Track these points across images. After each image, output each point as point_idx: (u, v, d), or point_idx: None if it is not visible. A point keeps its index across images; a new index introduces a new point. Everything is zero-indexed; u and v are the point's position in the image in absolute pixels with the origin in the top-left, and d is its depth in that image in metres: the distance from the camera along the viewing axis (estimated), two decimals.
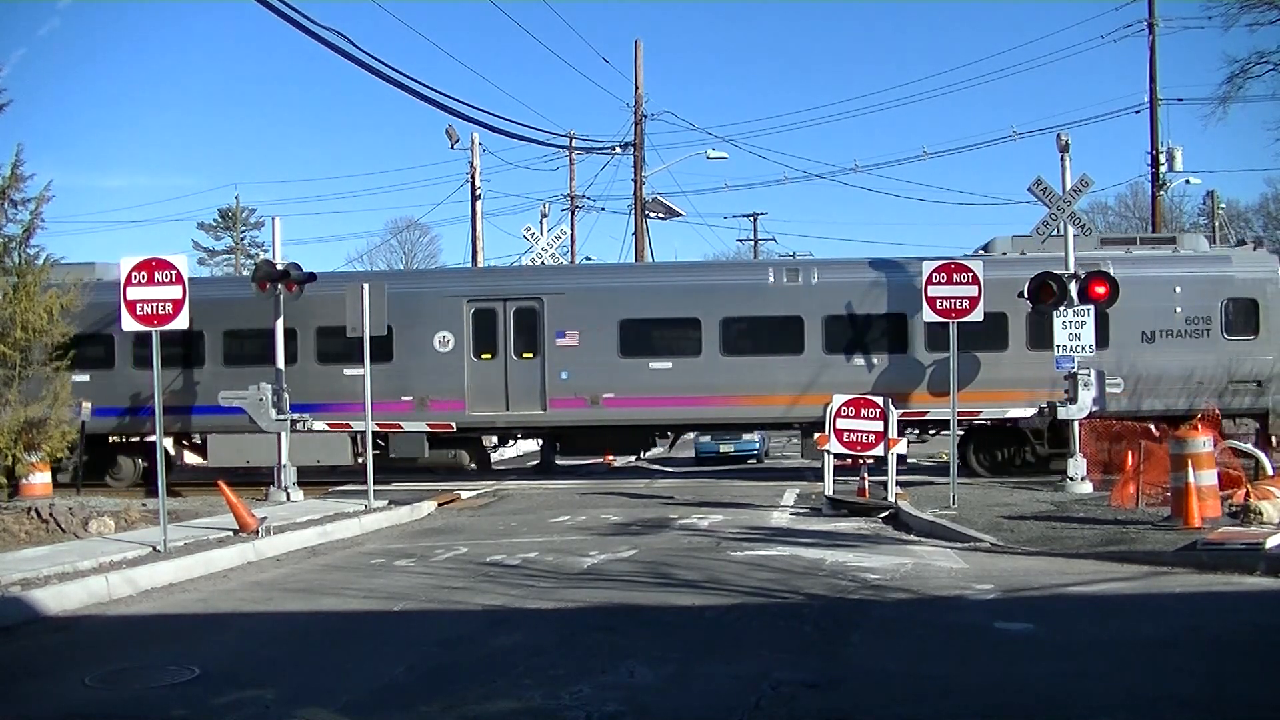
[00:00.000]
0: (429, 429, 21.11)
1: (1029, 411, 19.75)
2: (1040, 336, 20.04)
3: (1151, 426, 15.82)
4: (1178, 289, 20.52)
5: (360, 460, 18.94)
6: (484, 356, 20.74)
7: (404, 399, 20.85)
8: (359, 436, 19.40)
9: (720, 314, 20.87)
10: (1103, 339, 20.02)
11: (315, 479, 21.08)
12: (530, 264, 33.12)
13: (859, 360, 20.72)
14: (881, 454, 16.31)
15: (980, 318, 16.28)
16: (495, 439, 23.47)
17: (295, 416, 19.16)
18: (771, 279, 21.35)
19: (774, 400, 20.74)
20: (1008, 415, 20.29)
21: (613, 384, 20.67)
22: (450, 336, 21.03)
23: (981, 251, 22.12)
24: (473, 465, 22.65)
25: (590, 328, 20.76)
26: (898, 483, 16.46)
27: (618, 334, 20.82)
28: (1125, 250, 21.39)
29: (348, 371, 19.67)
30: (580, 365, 20.78)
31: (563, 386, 20.86)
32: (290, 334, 19.81)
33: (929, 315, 16.36)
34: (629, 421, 21.01)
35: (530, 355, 21.17)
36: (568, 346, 20.92)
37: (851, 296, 20.88)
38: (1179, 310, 20.40)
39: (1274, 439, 20.00)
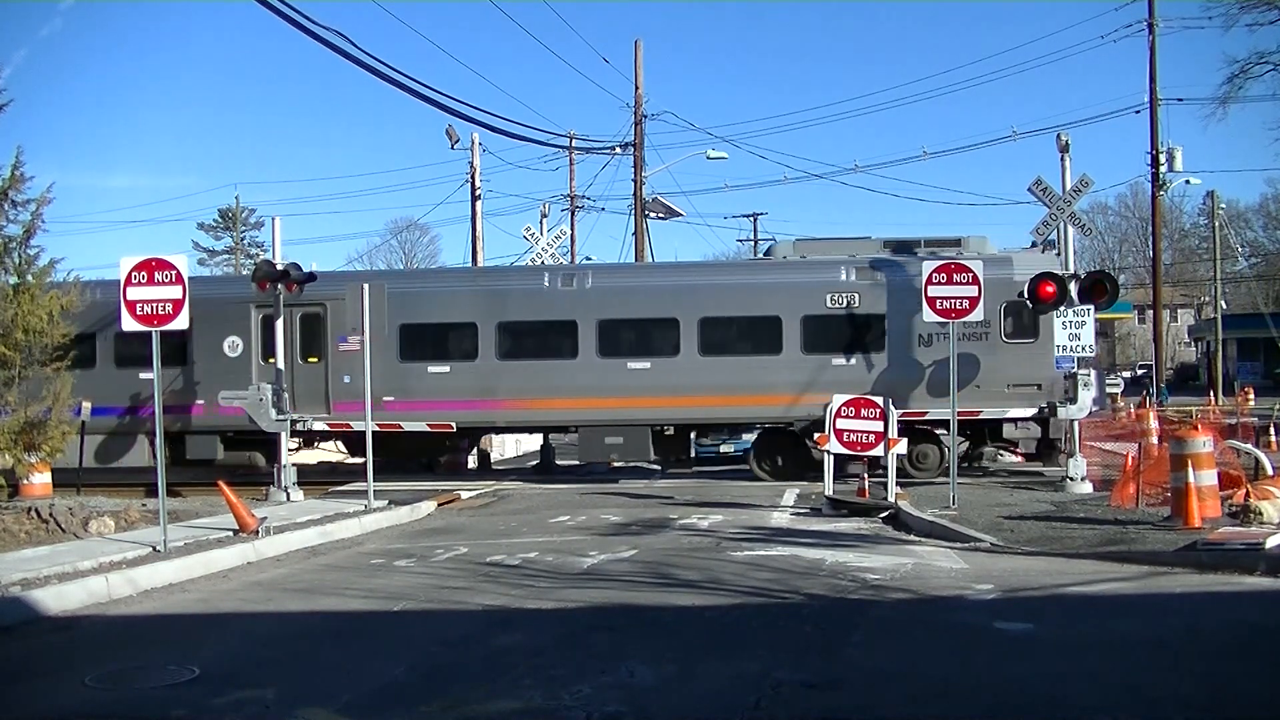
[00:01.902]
0: (224, 430, 21.34)
1: (802, 413, 20.26)
2: (813, 341, 20.53)
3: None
4: None
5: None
6: (270, 360, 20.43)
7: (198, 402, 21.07)
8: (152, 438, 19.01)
9: (498, 318, 20.92)
10: (878, 343, 20.50)
11: (315, 479, 21.11)
12: (531, 264, 33.09)
13: (635, 364, 20.93)
14: (881, 453, 16.33)
15: (981, 317, 16.31)
16: (297, 441, 23.53)
17: (295, 416, 19.20)
18: (547, 283, 21.54)
19: (555, 404, 20.89)
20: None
21: (393, 387, 20.72)
22: (239, 341, 21.18)
23: (764, 256, 22.26)
24: (267, 467, 22.43)
25: (372, 332, 20.59)
26: (898, 483, 16.46)
27: (398, 338, 20.83)
28: (909, 252, 21.47)
29: (143, 375, 19.14)
30: (362, 369, 20.73)
31: (345, 390, 20.92)
32: (90, 338, 19.80)
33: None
34: (410, 424, 21.05)
35: (314, 360, 21.44)
36: (350, 351, 20.87)
37: (626, 300, 21.16)
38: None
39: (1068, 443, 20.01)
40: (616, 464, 23.43)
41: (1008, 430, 20.58)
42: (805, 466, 20.73)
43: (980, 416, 20.02)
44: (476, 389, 20.79)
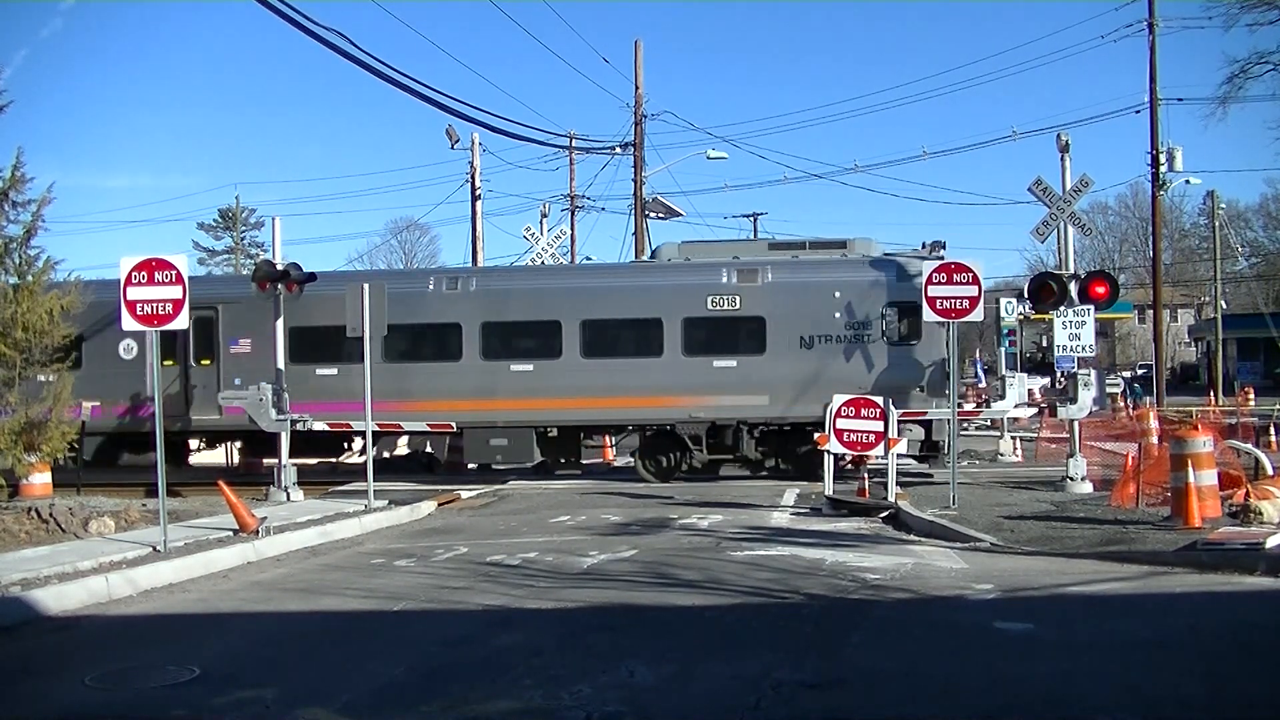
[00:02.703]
0: (117, 433, 21.51)
1: (683, 415, 20.41)
2: (694, 343, 20.61)
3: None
4: (838, 294, 20.59)
5: None
6: (167, 363, 20.23)
7: (93, 404, 20.97)
8: None
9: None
10: (759, 345, 20.58)
11: (315, 479, 21.10)
12: (531, 263, 33.09)
13: (518, 367, 21.01)
14: (883, 453, 16.34)
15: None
16: (200, 442, 23.55)
17: (295, 417, 19.20)
18: (431, 287, 21.48)
19: (440, 406, 20.89)
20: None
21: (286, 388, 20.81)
22: (134, 344, 21.21)
23: (650, 259, 22.32)
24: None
25: (262, 335, 20.38)
26: (898, 483, 16.46)
27: (288, 341, 20.54)
28: (793, 254, 21.58)
29: (40, 378, 19.40)
30: (253, 371, 20.52)
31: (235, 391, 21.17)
32: None
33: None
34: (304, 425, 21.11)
35: (208, 362, 21.61)
36: (241, 354, 21.14)
37: (510, 303, 21.25)
38: (839, 316, 20.47)
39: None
40: (500, 465, 23.22)
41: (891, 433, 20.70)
42: (692, 468, 20.91)
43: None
44: (361, 391, 20.65)
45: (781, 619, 8.68)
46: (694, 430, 20.68)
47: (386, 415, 20.24)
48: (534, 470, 24.20)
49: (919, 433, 20.47)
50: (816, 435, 17.57)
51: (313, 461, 22.70)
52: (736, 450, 20.84)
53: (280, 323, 19.19)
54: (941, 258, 21.64)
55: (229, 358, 21.41)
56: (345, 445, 22.63)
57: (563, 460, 22.21)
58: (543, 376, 20.72)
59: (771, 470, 20.97)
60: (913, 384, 20.20)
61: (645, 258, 21.99)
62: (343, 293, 19.42)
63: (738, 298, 20.50)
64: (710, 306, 20.68)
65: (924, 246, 22.66)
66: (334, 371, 20.91)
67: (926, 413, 19.97)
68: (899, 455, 19.54)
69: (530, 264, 33.28)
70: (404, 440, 23.47)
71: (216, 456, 24.75)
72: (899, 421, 20.04)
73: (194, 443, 23.35)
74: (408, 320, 20.37)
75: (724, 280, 20.60)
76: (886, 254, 22.03)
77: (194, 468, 23.01)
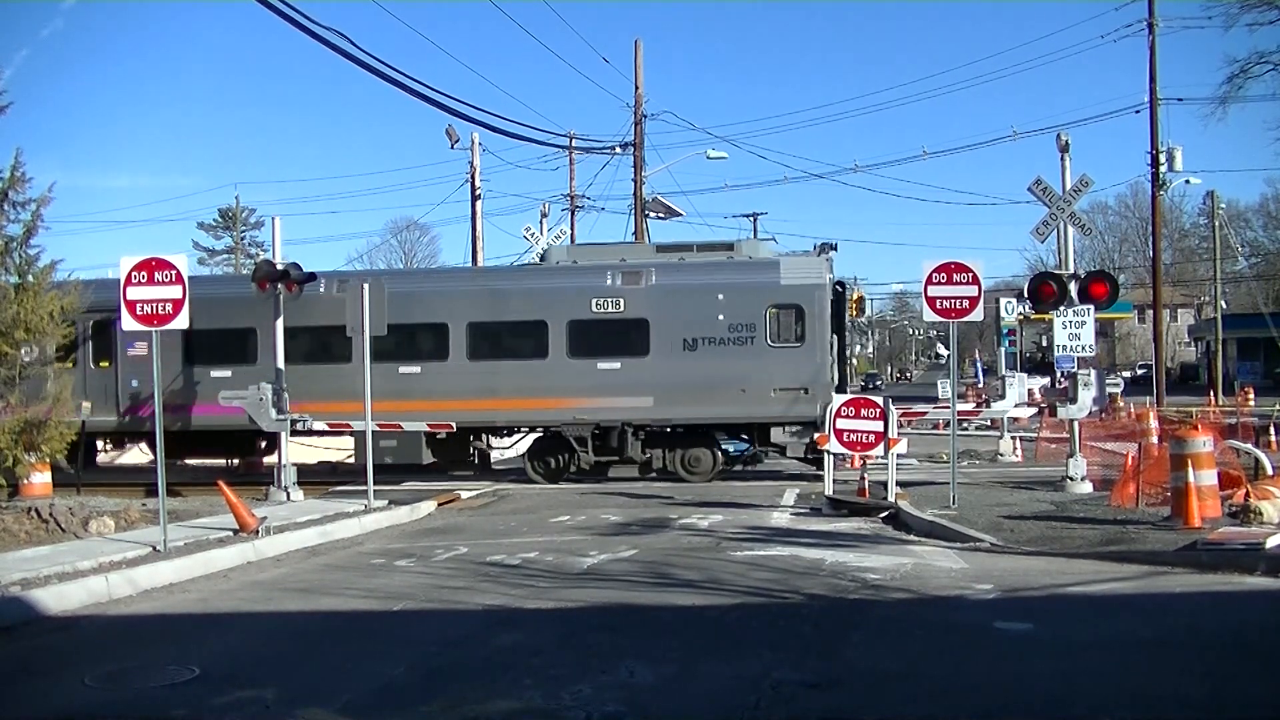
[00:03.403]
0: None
1: (569, 417, 20.59)
2: (579, 345, 20.73)
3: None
4: (721, 296, 20.65)
5: None
6: (68, 365, 19.99)
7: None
8: None
9: (268, 323, 20.20)
10: (643, 347, 20.69)
11: (316, 479, 21.10)
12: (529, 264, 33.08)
13: (406, 369, 21.08)
14: (883, 454, 16.33)
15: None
16: (105, 442, 23.56)
17: (295, 416, 19.21)
18: (323, 289, 20.87)
19: (333, 408, 20.73)
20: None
21: (179, 392, 21.03)
22: (35, 348, 21.25)
23: (540, 262, 22.34)
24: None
25: (163, 336, 20.45)
26: (898, 482, 16.46)
27: (182, 343, 20.72)
28: (680, 257, 21.62)
29: None
30: (149, 374, 20.57)
31: (133, 394, 21.45)
32: None
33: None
34: (191, 426, 21.28)
35: (105, 364, 21.73)
36: (138, 356, 21.03)
37: (397, 306, 20.74)
38: (722, 318, 20.51)
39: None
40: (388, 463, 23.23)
41: (776, 435, 20.88)
42: (580, 469, 21.04)
43: (751, 420, 20.53)
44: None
45: (782, 619, 8.68)
46: (579, 432, 20.86)
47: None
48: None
49: (805, 435, 20.60)
50: (817, 436, 17.58)
51: (220, 462, 22.81)
52: (622, 452, 21.01)
53: (280, 322, 19.18)
54: (830, 260, 21.94)
55: (126, 360, 21.48)
56: (261, 444, 22.60)
57: (453, 462, 22.27)
58: (430, 379, 20.77)
59: (659, 472, 21.15)
60: (798, 386, 20.36)
61: (536, 260, 22.11)
62: (238, 295, 19.35)
63: (622, 300, 20.64)
64: (595, 309, 20.85)
65: (815, 248, 22.84)
66: (228, 374, 20.93)
67: (812, 415, 20.19)
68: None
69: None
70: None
71: (138, 457, 24.88)
72: (783, 425, 20.52)
73: (100, 443, 23.41)
74: (306, 323, 20.24)
75: (608, 283, 20.67)
76: (776, 255, 22.29)
77: (193, 468, 22.98)
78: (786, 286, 20.60)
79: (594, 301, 20.79)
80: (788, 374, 20.35)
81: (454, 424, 20.92)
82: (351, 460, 22.95)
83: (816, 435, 17.47)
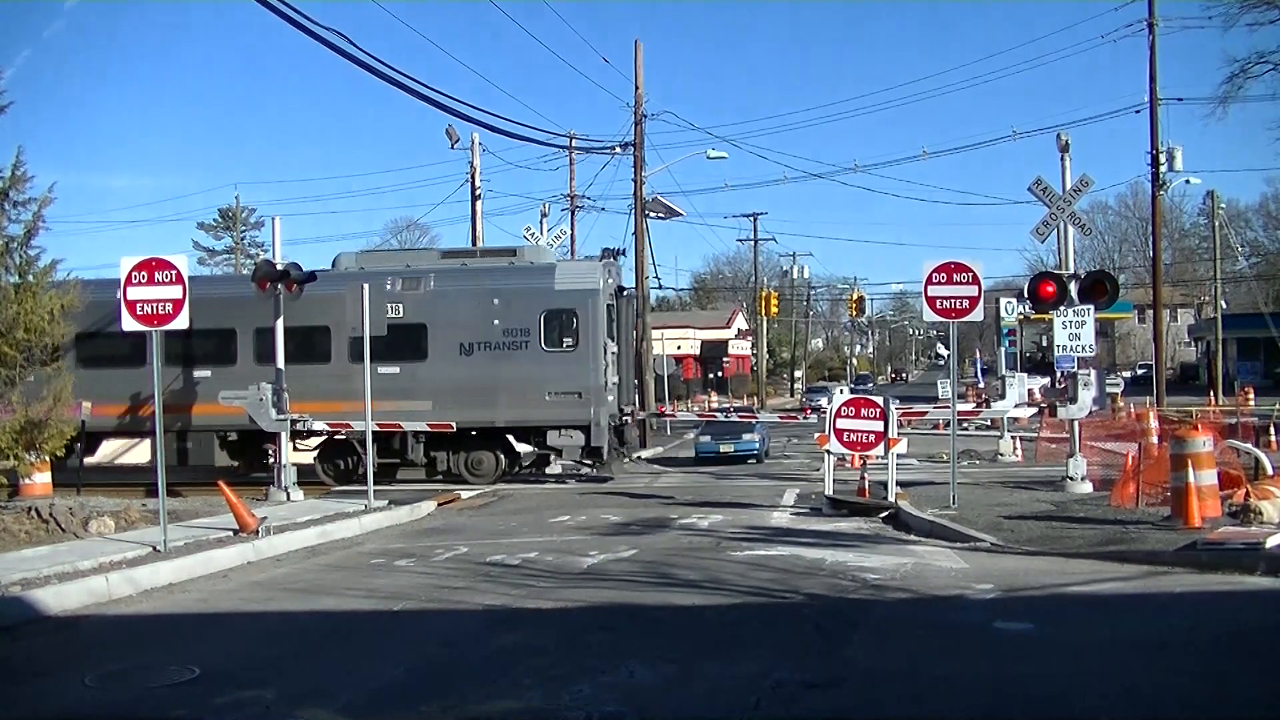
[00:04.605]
0: None
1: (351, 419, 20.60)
2: (361, 350, 20.41)
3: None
4: (497, 301, 20.97)
5: None
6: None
7: None
8: None
9: (79, 328, 19.81)
10: (422, 352, 20.99)
11: (316, 479, 21.12)
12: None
13: (200, 373, 21.43)
14: (883, 454, 16.33)
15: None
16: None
17: (295, 416, 19.23)
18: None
19: (134, 410, 21.23)
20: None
21: None
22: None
23: (330, 268, 22.50)
24: None
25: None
26: (899, 482, 16.46)
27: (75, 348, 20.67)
28: (462, 263, 21.85)
29: None
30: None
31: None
32: None
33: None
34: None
35: None
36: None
37: (199, 312, 21.37)
38: (498, 323, 20.77)
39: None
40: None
41: (552, 438, 21.11)
42: (360, 474, 20.79)
43: (527, 423, 20.77)
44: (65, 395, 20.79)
45: (782, 619, 8.68)
46: (362, 435, 20.73)
47: (92, 420, 20.50)
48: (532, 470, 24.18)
49: (579, 438, 20.88)
50: (818, 436, 17.60)
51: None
52: (404, 455, 21.17)
53: (280, 322, 19.19)
54: (610, 266, 22.20)
55: None
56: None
57: (251, 463, 22.24)
58: (221, 383, 20.73)
59: (444, 474, 21.33)
60: (572, 390, 20.67)
61: (327, 268, 22.25)
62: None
63: (401, 306, 20.84)
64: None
65: (602, 254, 23.00)
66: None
67: (585, 418, 20.62)
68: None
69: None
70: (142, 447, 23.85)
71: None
72: (559, 428, 20.82)
73: None
74: (101, 329, 19.75)
75: (389, 288, 20.75)
76: (555, 261, 22.69)
77: (193, 468, 23.01)
78: (560, 292, 21.02)
79: None
80: (562, 379, 20.76)
81: (238, 430, 21.14)
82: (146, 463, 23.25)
83: (817, 436, 17.46)
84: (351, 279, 21.62)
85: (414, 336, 21.02)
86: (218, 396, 19.80)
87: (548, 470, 22.57)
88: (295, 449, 22.45)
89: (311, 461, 22.13)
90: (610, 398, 21.20)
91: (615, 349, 21.65)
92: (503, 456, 21.65)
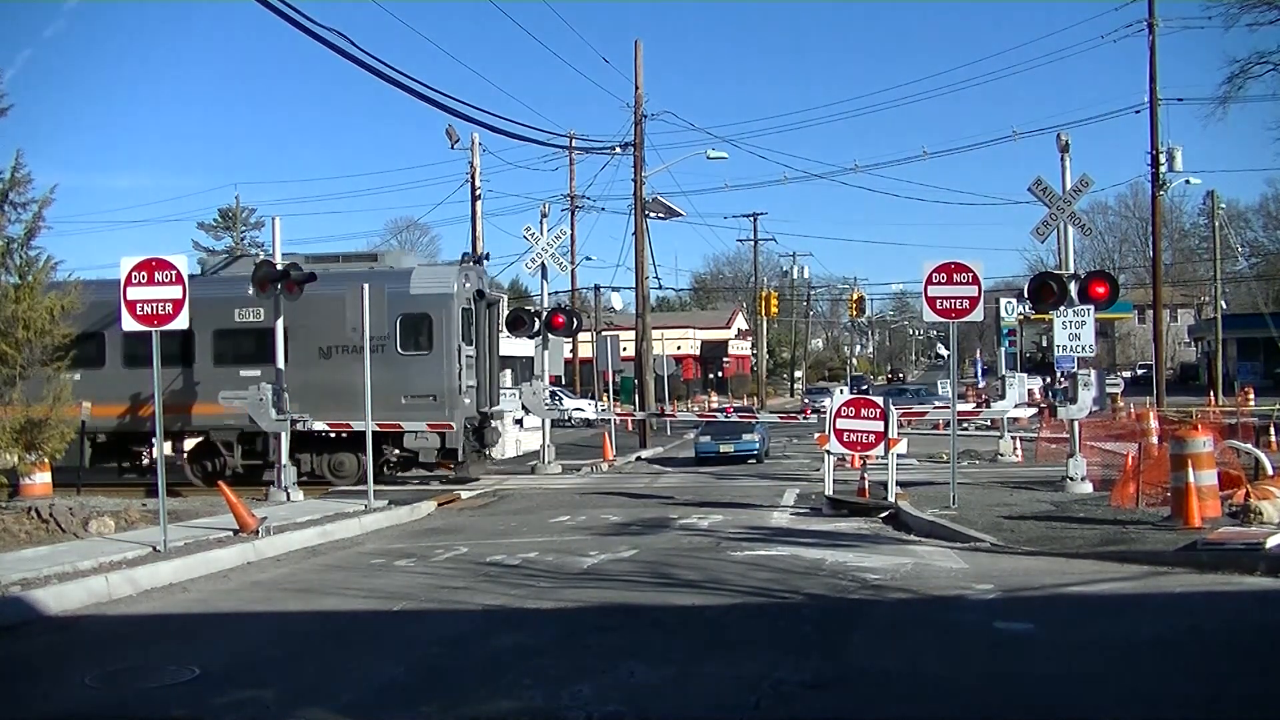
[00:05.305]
0: None
1: (217, 423, 20.92)
2: (224, 354, 21.40)
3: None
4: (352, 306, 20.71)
5: None
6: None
7: None
8: None
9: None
10: (286, 356, 20.63)
11: (185, 480, 21.18)
12: (529, 264, 33.12)
13: (68, 375, 21.19)
14: (883, 454, 16.33)
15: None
16: None
17: (295, 416, 19.23)
18: None
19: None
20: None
21: None
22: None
23: (200, 274, 22.56)
24: None
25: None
26: (899, 482, 16.46)
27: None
28: (324, 268, 21.65)
29: None
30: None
31: None
32: None
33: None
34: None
35: None
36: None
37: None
38: (354, 329, 20.50)
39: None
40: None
41: (409, 440, 21.22)
42: (236, 473, 21.16)
43: (385, 427, 20.53)
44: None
45: (782, 619, 8.68)
46: (226, 437, 21.38)
47: None
48: (532, 470, 24.17)
49: (435, 440, 21.01)
50: (818, 436, 17.60)
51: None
52: (267, 456, 21.07)
53: (280, 322, 19.18)
54: (469, 270, 22.20)
55: None
56: None
57: (122, 466, 22.34)
58: (90, 385, 20.58)
59: (309, 475, 21.26)
60: (428, 394, 20.87)
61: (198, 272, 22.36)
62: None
63: (262, 310, 20.72)
64: (238, 318, 21.38)
65: (462, 259, 23.08)
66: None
67: (439, 421, 20.83)
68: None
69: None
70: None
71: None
72: (415, 431, 20.95)
73: None
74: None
75: (250, 292, 20.33)
76: (413, 265, 22.66)
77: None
78: (416, 296, 21.16)
79: (237, 311, 21.29)
80: (417, 382, 20.94)
81: (109, 429, 21.34)
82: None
83: (817, 436, 17.47)
84: (212, 283, 21.80)
85: (273, 340, 20.76)
86: (84, 399, 19.76)
87: (409, 472, 22.53)
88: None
89: (181, 464, 22.13)
90: (467, 400, 21.40)
91: (472, 352, 21.82)
92: (361, 459, 21.60)
